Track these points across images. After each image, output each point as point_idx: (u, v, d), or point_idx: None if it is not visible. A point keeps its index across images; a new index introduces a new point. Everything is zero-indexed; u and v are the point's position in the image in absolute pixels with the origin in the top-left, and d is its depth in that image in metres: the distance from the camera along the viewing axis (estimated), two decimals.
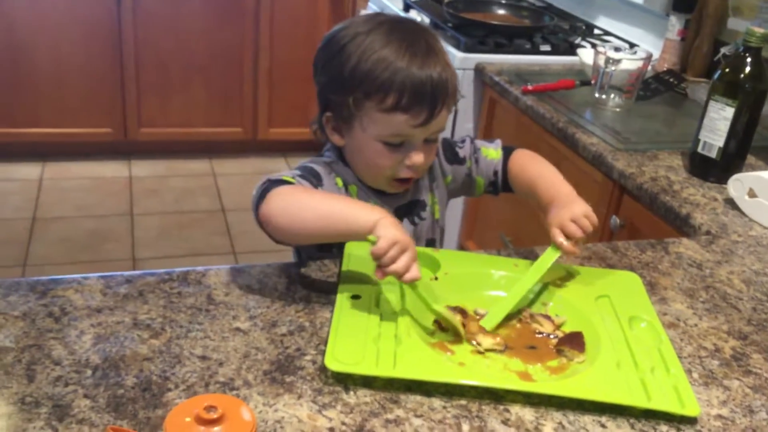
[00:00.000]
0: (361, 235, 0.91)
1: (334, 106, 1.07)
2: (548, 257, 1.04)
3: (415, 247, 0.91)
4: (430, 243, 1.22)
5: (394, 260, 0.88)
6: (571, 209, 1.04)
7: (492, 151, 1.22)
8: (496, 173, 1.21)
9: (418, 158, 1.06)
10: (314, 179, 1.05)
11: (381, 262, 0.89)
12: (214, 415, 0.60)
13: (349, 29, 1.05)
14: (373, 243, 0.89)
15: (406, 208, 1.17)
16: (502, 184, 1.22)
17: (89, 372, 0.81)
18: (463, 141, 1.23)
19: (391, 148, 1.05)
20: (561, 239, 1.03)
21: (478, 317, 0.98)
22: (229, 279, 1.01)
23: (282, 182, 0.99)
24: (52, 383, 0.79)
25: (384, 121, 1.03)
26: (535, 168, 1.17)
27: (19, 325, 0.88)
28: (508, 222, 2.03)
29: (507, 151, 1.22)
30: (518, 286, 1.01)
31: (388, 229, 0.89)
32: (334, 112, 1.08)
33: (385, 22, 1.05)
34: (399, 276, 0.89)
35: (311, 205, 0.95)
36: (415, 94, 1.00)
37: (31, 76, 3.29)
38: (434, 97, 1.02)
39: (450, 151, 1.22)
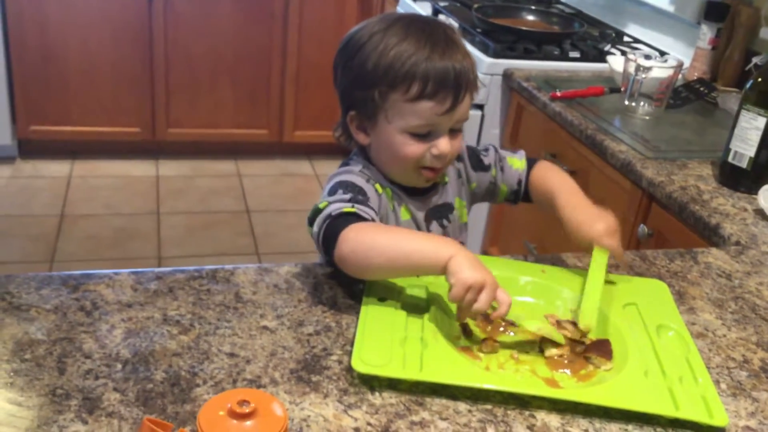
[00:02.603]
0: (435, 273, 0.92)
1: (359, 103, 1.08)
2: (600, 259, 1.05)
3: (493, 279, 0.90)
4: None
5: (473, 302, 0.89)
6: (606, 220, 1.07)
7: (517, 161, 1.23)
8: (519, 182, 1.22)
9: (445, 146, 1.06)
10: (361, 196, 1.04)
11: (461, 306, 0.90)
12: (246, 410, 0.61)
13: (365, 29, 1.07)
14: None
15: (436, 211, 1.17)
16: (523, 193, 1.23)
17: (119, 366, 0.82)
18: (486, 149, 1.24)
19: (417, 138, 1.06)
20: (612, 242, 1.05)
21: (504, 323, 0.98)
22: (256, 278, 1.02)
23: (345, 217, 0.98)
24: (82, 376, 0.80)
25: (410, 111, 1.04)
26: (556, 179, 1.18)
27: (51, 318, 0.89)
28: (532, 229, 2.03)
29: (530, 162, 1.24)
30: (590, 288, 1.01)
31: (460, 273, 0.89)
32: (358, 109, 1.09)
33: (400, 19, 1.07)
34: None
35: (381, 249, 0.94)
36: (439, 81, 1.02)
37: (63, 74, 3.34)
38: (458, 83, 1.03)
39: (475, 158, 1.23)
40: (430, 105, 1.03)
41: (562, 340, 0.93)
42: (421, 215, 1.15)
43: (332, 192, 1.05)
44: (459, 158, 1.20)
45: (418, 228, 1.15)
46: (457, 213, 1.20)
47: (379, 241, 0.95)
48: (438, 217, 1.17)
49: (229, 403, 0.61)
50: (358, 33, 1.08)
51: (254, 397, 0.62)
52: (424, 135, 1.06)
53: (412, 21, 1.07)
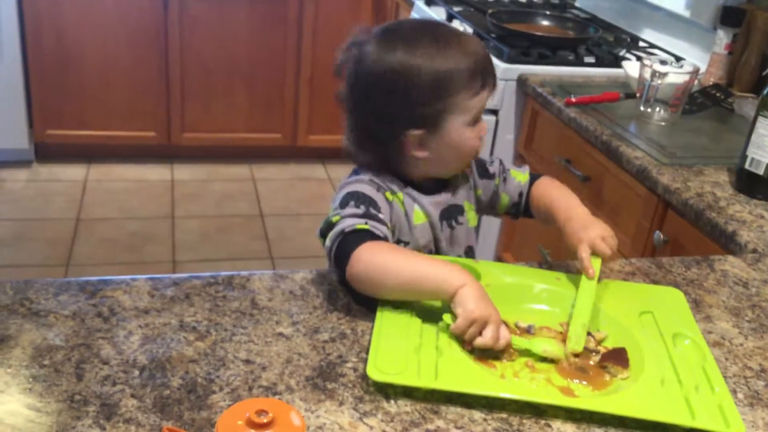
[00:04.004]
0: (443, 300, 0.94)
1: (424, 119, 1.08)
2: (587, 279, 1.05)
3: (498, 315, 0.92)
4: (469, 251, 1.23)
5: (475, 336, 0.90)
6: (599, 229, 1.08)
7: (520, 174, 1.26)
8: (521, 195, 1.26)
9: (485, 125, 1.14)
10: (373, 208, 1.04)
11: (464, 339, 0.91)
12: (264, 419, 0.61)
13: (386, 57, 1.06)
14: (451, 322, 0.92)
15: (447, 212, 1.18)
16: (524, 207, 1.26)
17: (136, 372, 0.83)
18: (492, 161, 1.28)
19: (473, 128, 1.11)
20: (584, 250, 1.06)
21: (518, 330, 0.98)
22: (272, 284, 1.03)
23: (358, 234, 0.98)
24: (100, 382, 0.81)
25: (474, 105, 1.09)
26: (555, 192, 1.22)
27: (69, 324, 0.90)
28: (546, 234, 2.02)
29: (533, 177, 1.27)
30: (581, 302, 1.01)
31: (466, 305, 0.90)
32: (424, 126, 1.08)
33: (410, 30, 1.09)
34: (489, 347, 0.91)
35: (394, 272, 0.95)
36: (485, 68, 1.09)
37: (79, 79, 3.37)
38: (491, 61, 1.12)
39: (482, 167, 1.26)
40: (486, 92, 1.09)
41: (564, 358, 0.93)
42: (435, 215, 1.16)
43: (344, 203, 1.05)
44: None
45: (433, 228, 1.16)
46: (467, 216, 1.21)
47: (391, 263, 0.95)
48: (448, 217, 1.18)
49: (248, 413, 0.62)
50: (384, 62, 1.06)
51: (272, 407, 0.62)
52: (476, 123, 1.11)
53: (422, 30, 1.09)
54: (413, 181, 1.14)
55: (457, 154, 1.13)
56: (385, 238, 1.00)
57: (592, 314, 1.00)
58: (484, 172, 1.25)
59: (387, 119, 1.09)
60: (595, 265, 1.05)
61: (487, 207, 1.28)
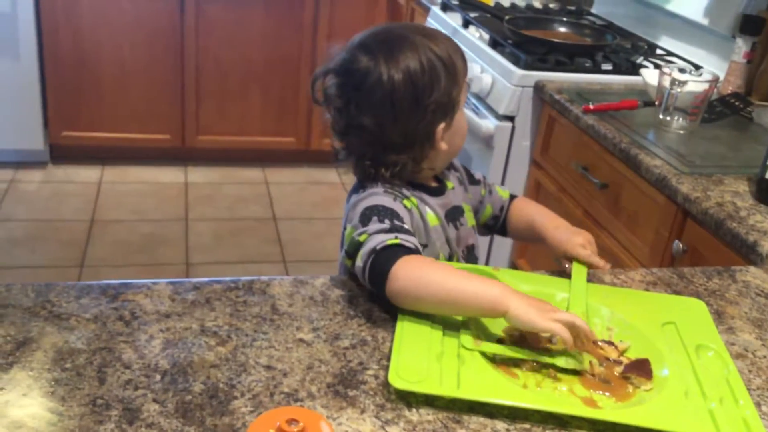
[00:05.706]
0: (491, 317, 0.95)
1: (445, 111, 1.10)
2: (580, 273, 1.10)
3: (551, 305, 0.93)
4: (471, 248, 1.24)
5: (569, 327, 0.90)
6: (584, 235, 1.16)
7: (503, 191, 1.33)
8: (501, 209, 1.31)
9: None
10: (397, 220, 1.03)
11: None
12: (295, 429, 0.61)
13: (403, 64, 1.06)
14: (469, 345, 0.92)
15: (451, 213, 1.19)
16: (502, 221, 1.32)
17: (158, 377, 0.83)
18: (474, 171, 1.33)
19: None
20: (585, 252, 1.13)
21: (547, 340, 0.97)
22: (292, 290, 1.02)
23: (390, 250, 0.97)
24: (122, 386, 0.81)
25: (465, 90, 1.14)
26: (535, 208, 1.29)
27: (90, 327, 0.90)
28: None
29: (511, 196, 1.33)
30: (574, 293, 1.05)
31: (529, 324, 0.90)
32: (444, 118, 1.11)
33: (397, 38, 1.09)
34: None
35: (434, 289, 0.93)
36: (463, 55, 1.14)
37: (95, 81, 3.39)
38: None
39: (468, 173, 1.30)
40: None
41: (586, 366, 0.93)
42: (443, 216, 1.16)
43: (365, 220, 1.03)
44: (455, 167, 1.26)
45: (444, 229, 1.16)
46: (467, 216, 1.23)
47: (431, 280, 0.93)
48: (453, 219, 1.19)
49: (278, 422, 0.61)
50: (402, 70, 1.06)
51: (302, 416, 0.62)
52: None
53: (400, 31, 1.10)
54: (419, 185, 1.15)
55: (460, 142, 1.17)
56: (416, 249, 0.99)
57: (608, 323, 1.02)
58: (471, 178, 1.30)
59: (422, 121, 1.09)
60: (581, 271, 1.11)
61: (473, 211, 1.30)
